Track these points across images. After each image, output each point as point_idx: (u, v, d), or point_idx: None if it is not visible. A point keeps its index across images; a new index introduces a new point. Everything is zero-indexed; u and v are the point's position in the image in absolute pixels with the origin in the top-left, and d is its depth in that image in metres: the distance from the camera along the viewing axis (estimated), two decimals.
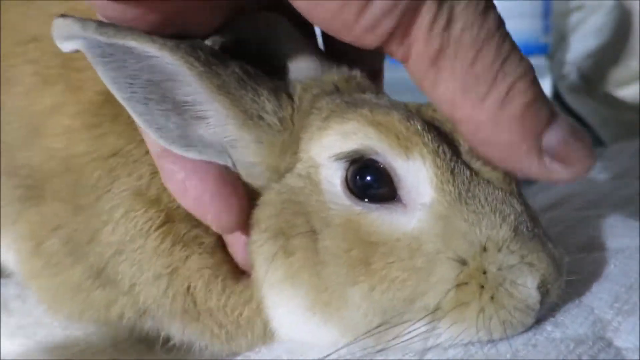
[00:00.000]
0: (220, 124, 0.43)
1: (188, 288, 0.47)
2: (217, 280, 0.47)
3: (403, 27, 0.35)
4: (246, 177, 0.46)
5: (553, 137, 0.37)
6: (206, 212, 0.44)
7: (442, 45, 0.35)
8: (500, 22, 0.36)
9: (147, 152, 0.47)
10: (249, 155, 0.45)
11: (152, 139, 0.43)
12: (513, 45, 0.36)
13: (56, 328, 0.59)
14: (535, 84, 0.36)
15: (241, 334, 0.48)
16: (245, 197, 0.45)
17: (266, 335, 0.48)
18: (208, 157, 0.44)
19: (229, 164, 0.45)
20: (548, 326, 0.41)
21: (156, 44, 0.40)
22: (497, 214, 0.40)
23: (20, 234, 0.54)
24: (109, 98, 0.47)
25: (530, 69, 0.37)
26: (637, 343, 0.39)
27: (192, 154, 0.44)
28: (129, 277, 0.48)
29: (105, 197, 0.48)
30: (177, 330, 0.51)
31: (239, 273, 0.48)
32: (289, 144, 0.45)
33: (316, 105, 0.45)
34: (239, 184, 0.45)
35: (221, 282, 0.47)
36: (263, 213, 0.45)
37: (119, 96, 0.42)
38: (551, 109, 0.37)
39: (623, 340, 0.40)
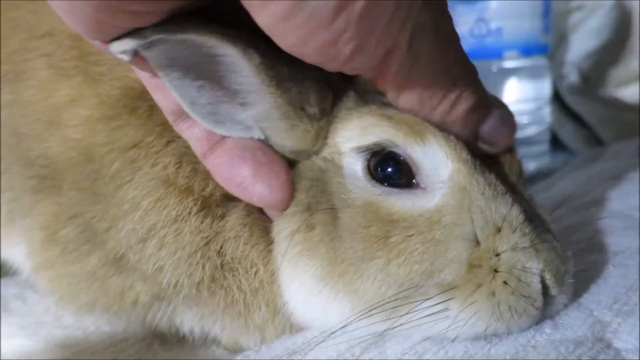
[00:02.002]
0: (264, 112, 0.45)
1: (220, 248, 0.49)
2: (245, 229, 0.49)
3: (376, 68, 0.40)
4: (278, 149, 0.47)
5: (486, 127, 0.46)
6: (251, 195, 0.46)
7: (407, 77, 0.41)
8: (457, 47, 0.43)
9: (168, 142, 0.49)
10: (281, 139, 0.46)
11: (196, 143, 0.46)
12: (465, 61, 0.44)
13: (56, 328, 0.59)
14: (477, 89, 0.45)
15: (256, 304, 0.49)
16: (287, 174, 0.46)
17: (275, 312, 0.49)
18: (236, 133, 0.46)
19: (257, 137, 0.46)
20: (547, 328, 0.42)
21: (218, 34, 0.40)
22: (509, 195, 0.43)
23: (34, 225, 0.54)
24: (126, 92, 0.49)
25: (475, 76, 0.45)
26: (637, 344, 0.39)
27: (221, 130, 0.46)
28: (155, 260, 0.49)
29: (126, 186, 0.49)
30: (194, 314, 0.52)
31: (268, 234, 0.49)
32: (324, 130, 0.46)
33: (347, 93, 0.47)
34: (277, 163, 0.46)
35: (248, 230, 0.49)
36: (298, 185, 0.46)
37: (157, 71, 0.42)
38: (487, 104, 0.46)
39: (623, 342, 0.40)
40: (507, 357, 0.39)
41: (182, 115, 0.46)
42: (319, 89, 0.45)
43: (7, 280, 0.69)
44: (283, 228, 0.47)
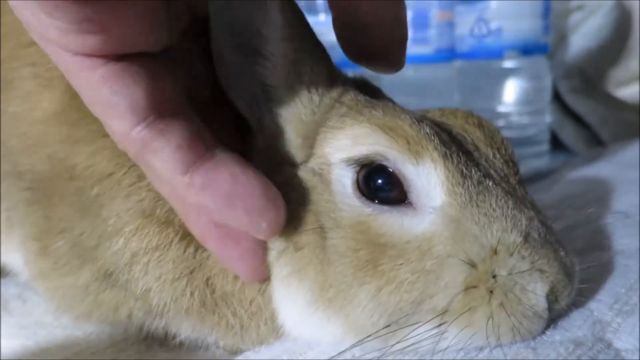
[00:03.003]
0: (274, 70, 0.45)
1: (208, 280, 0.47)
2: None
3: None
4: (267, 149, 0.46)
5: None
6: (263, 219, 0.41)
7: None
8: None
9: (141, 176, 0.46)
10: (278, 119, 0.46)
11: (170, 194, 0.43)
12: None
13: (56, 328, 0.59)
14: None
15: (253, 325, 0.48)
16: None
17: (274, 329, 0.48)
18: (241, 103, 0.46)
19: (254, 124, 0.46)
20: (547, 329, 0.41)
21: None
22: (508, 219, 0.41)
23: (29, 235, 0.54)
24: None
25: None
26: (637, 344, 0.39)
27: (232, 94, 0.45)
28: (142, 283, 0.48)
29: (109, 207, 0.47)
30: (187, 328, 0.52)
31: None
32: (311, 132, 0.45)
33: (341, 98, 0.46)
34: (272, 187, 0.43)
35: None
36: None
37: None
38: None
39: (623, 342, 0.40)
40: (508, 358, 0.39)
41: (147, 114, 0.38)
42: (330, 81, 0.46)
43: (7, 280, 0.69)
44: (271, 249, 0.45)
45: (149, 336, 0.56)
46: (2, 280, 0.69)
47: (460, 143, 0.45)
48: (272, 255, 0.45)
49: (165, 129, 0.37)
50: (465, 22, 1.08)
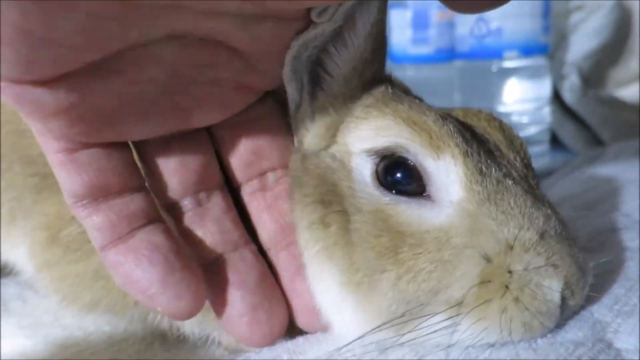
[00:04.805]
0: (342, 62, 0.45)
1: None
2: None
3: None
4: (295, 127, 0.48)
5: None
6: (156, 305, 0.42)
7: None
8: None
9: None
10: (316, 108, 0.46)
11: (95, 232, 0.42)
12: None
13: (56, 328, 0.59)
14: None
15: None
16: (200, 283, 0.43)
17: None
18: (292, 86, 0.46)
19: (291, 107, 0.47)
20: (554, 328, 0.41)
21: None
22: (526, 217, 0.41)
23: (35, 225, 0.54)
24: None
25: None
26: (637, 344, 0.39)
27: (287, 76, 0.45)
28: None
29: None
30: (193, 320, 0.51)
31: None
32: (336, 122, 0.46)
33: (370, 90, 0.47)
34: (190, 270, 0.43)
35: None
36: (306, 177, 0.46)
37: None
38: None
39: (623, 342, 0.40)
40: (507, 359, 0.39)
41: (83, 199, 0.41)
42: (375, 84, 0.47)
43: (7, 280, 0.69)
44: (301, 217, 0.45)
45: (149, 335, 0.56)
46: (2, 280, 0.69)
47: (482, 143, 0.46)
48: (303, 224, 0.45)
49: (94, 211, 0.41)
50: (465, 22, 1.08)
